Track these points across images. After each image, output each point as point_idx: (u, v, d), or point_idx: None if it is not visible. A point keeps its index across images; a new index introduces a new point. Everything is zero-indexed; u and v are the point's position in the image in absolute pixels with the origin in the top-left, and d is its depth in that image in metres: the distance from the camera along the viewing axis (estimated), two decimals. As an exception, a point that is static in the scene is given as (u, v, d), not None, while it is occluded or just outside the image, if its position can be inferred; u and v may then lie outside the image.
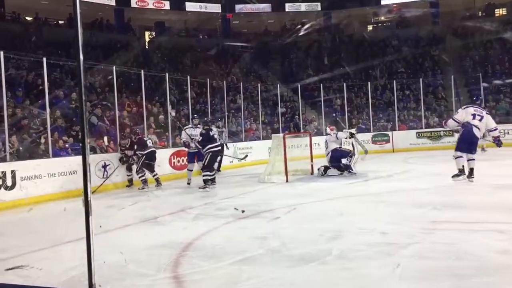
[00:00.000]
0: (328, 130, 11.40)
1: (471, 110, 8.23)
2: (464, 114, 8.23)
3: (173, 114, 11.45)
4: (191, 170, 10.86)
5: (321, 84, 20.22)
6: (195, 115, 11.87)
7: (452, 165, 8.48)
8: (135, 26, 28.20)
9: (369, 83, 20.44)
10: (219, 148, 10.42)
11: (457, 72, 23.86)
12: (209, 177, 9.49)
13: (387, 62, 26.10)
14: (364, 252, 4.28)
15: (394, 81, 20.76)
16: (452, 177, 8.29)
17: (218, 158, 11.47)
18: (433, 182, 8.85)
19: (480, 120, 8.10)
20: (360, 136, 18.71)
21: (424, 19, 28.92)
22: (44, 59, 9.85)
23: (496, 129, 8.36)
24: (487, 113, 8.35)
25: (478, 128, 8.06)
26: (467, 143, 8.14)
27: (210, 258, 4.37)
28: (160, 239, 5.25)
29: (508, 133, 16.20)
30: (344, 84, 20.09)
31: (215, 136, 9.98)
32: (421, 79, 20.20)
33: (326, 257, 4.18)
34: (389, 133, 19.08)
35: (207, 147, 9.58)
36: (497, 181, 8.31)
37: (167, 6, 28.43)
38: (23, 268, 4.18)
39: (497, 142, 8.40)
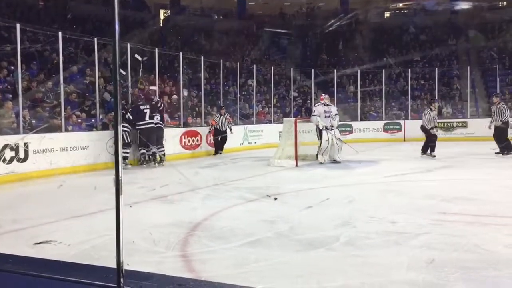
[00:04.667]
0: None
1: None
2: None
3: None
4: None
5: (335, 70, 20.05)
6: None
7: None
8: (151, 3, 28.02)
9: (383, 70, 20.18)
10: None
11: (473, 63, 23.47)
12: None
13: (403, 50, 25.76)
14: (373, 241, 4.28)
15: (409, 70, 20.51)
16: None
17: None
18: (444, 174, 8.81)
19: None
20: (372, 124, 18.80)
21: (442, 8, 28.36)
22: (60, 33, 9.85)
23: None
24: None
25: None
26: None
27: (218, 239, 4.40)
28: (170, 218, 5.30)
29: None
30: (358, 71, 19.91)
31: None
32: (436, 69, 19.94)
33: (334, 244, 4.18)
34: (402, 122, 18.93)
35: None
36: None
37: (183, -17, 28.21)
38: (52, 243, 4.22)
39: None
